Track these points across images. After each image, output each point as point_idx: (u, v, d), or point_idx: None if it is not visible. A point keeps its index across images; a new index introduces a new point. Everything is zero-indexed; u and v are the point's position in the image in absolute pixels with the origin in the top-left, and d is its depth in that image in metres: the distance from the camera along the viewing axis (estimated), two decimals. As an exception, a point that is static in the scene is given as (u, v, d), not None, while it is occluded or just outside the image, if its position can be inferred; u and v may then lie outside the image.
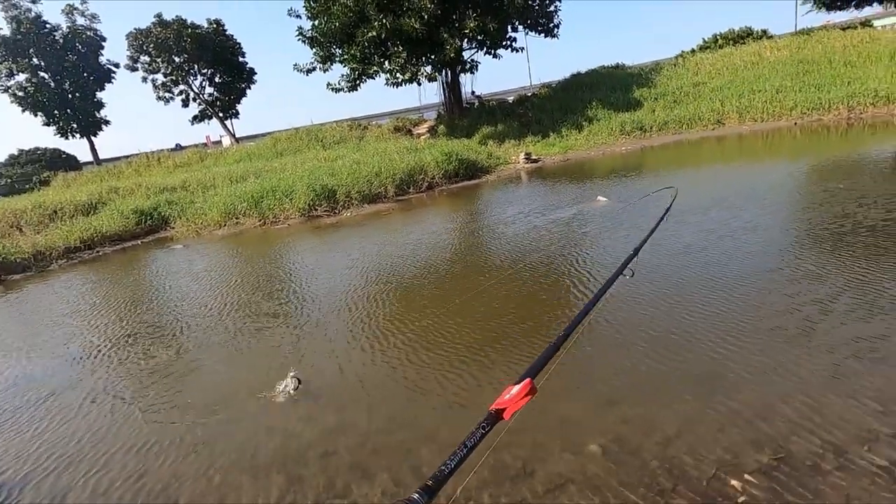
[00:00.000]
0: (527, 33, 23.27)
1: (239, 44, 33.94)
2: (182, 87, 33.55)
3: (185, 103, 34.21)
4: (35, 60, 30.12)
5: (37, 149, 33.55)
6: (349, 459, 3.09)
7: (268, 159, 22.06)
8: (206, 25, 32.23)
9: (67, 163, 32.69)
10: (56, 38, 30.37)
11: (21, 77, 30.14)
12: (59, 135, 32.52)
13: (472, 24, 18.89)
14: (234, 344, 5.21)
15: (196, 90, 33.89)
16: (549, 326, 4.54)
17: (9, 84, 30.02)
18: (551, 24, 22.80)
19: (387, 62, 20.11)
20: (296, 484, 2.97)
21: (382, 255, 7.98)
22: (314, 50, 20.94)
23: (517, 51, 22.73)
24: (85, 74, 31.88)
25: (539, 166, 16.04)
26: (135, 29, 31.14)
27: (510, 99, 26.55)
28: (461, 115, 23.81)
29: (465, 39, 20.39)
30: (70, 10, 30.95)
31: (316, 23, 20.07)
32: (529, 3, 20.53)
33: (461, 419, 3.33)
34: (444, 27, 19.06)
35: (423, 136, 23.30)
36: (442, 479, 1.03)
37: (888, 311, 3.83)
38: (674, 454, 2.70)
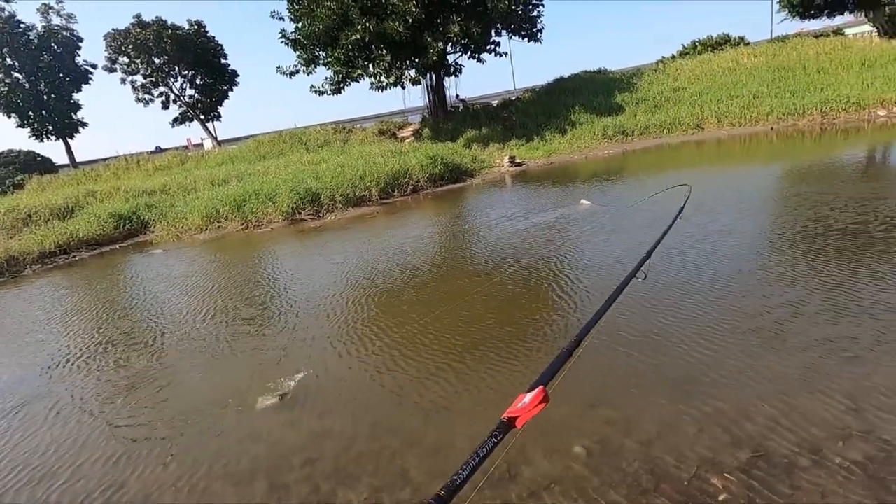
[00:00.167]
0: (510, 38, 23.50)
1: (221, 45, 33.57)
2: (162, 88, 33.01)
3: (166, 105, 33.67)
4: (9, 61, 29.35)
5: (10, 151, 32.62)
6: (333, 465, 3.07)
7: (250, 162, 21.80)
8: (186, 27, 31.80)
9: (42, 165, 31.84)
10: (31, 38, 29.62)
11: (-6, 77, 29.37)
12: (33, 137, 31.75)
13: (456, 29, 18.96)
14: (212, 351, 5.12)
15: (176, 92, 33.40)
16: (529, 331, 4.56)
17: (-19, 85, 29.23)
18: (535, 29, 23.02)
19: (371, 65, 20.07)
20: (279, 491, 2.93)
21: (365, 260, 7.94)
22: (298, 52, 20.79)
23: (501, 55, 22.92)
24: (61, 75, 31.15)
25: (523, 170, 16.16)
26: (113, 30, 30.58)
27: (494, 103, 26.70)
28: (446, 118, 23.87)
29: (450, 43, 20.47)
30: (45, 10, 30.24)
31: (299, 25, 19.94)
32: (513, 8, 20.70)
33: (445, 423, 3.33)
34: (428, 31, 19.11)
35: (407, 140, 23.29)
36: (455, 489, 0.99)
37: (856, 312, 3.95)
38: (656, 454, 2.74)
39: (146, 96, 32.96)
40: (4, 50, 28.87)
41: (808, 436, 2.72)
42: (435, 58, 19.54)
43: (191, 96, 33.94)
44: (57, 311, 7.57)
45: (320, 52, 20.60)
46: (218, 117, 35.61)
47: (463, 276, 6.36)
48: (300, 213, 12.55)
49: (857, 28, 30.60)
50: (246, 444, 3.42)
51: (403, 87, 21.29)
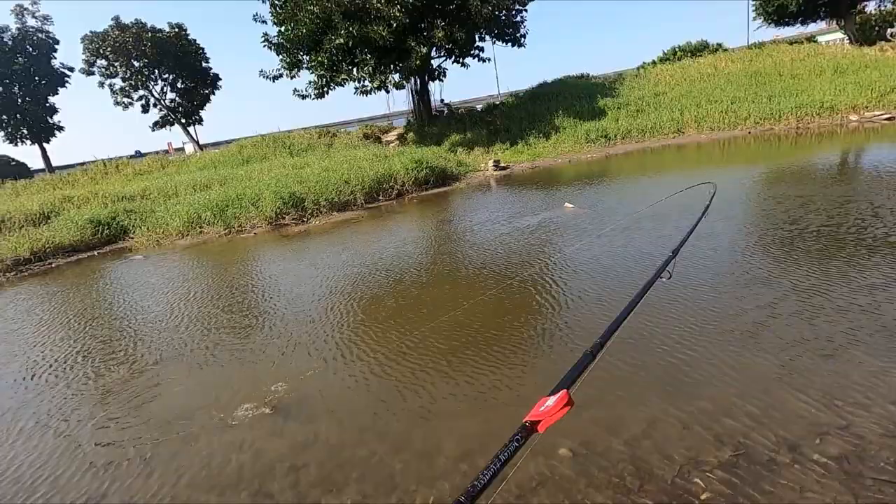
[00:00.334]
0: (494, 43, 23.68)
1: (202, 48, 33.07)
2: (142, 92, 32.36)
3: (146, 109, 32.99)
4: (-19, 63, 28.63)
5: (-17, 155, 31.81)
6: (318, 473, 3.04)
7: (233, 166, 21.51)
8: (167, 29, 31.32)
9: (17, 170, 31.10)
10: (4, 39, 28.92)
11: (-35, 81, 28.61)
12: (7, 141, 30.96)
13: (440, 34, 19.04)
14: (192, 359, 5.04)
15: (157, 95, 32.79)
16: (514, 334, 4.59)
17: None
18: (518, 34, 23.25)
19: (355, 70, 20.01)
20: (264, 500, 2.89)
21: (349, 265, 7.90)
22: (281, 56, 20.65)
23: (485, 60, 23.08)
24: (36, 78, 30.44)
25: (508, 173, 16.26)
26: (90, 32, 29.96)
27: (479, 107, 26.86)
28: (430, 122, 23.92)
29: (434, 48, 20.53)
30: (20, 11, 29.55)
31: (282, 29, 19.81)
32: (496, 13, 20.88)
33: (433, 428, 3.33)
34: (412, 36, 19.15)
35: (392, 144, 23.27)
36: (475, 495, 0.95)
37: (830, 311, 4.06)
38: (640, 454, 2.78)
39: (125, 100, 32.26)
40: (-23, 52, 28.17)
41: (787, 433, 2.78)
42: (419, 62, 19.57)
43: (171, 100, 33.35)
44: (32, 321, 7.36)
45: (304, 56, 20.49)
46: (200, 121, 35.04)
47: (448, 281, 6.36)
48: (284, 218, 12.44)
49: (829, 35, 31.58)
50: (230, 452, 3.37)
51: (388, 92, 21.27)
